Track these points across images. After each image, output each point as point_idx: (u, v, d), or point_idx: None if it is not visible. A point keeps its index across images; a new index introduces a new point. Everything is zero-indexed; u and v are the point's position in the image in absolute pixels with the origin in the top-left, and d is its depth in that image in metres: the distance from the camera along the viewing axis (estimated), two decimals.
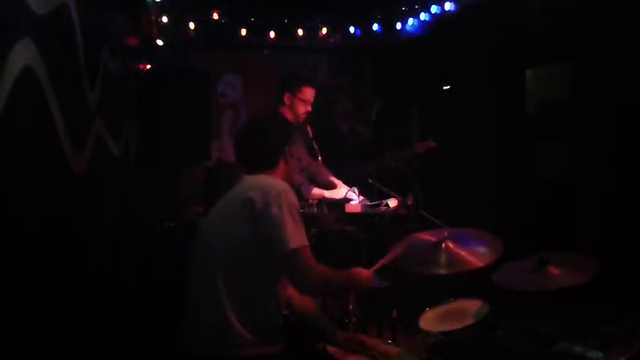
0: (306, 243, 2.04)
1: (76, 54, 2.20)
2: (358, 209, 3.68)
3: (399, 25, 5.46)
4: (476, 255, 2.45)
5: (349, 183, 3.88)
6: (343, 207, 3.72)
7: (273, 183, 2.14)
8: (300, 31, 5.64)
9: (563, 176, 4.47)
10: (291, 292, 2.28)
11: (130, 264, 3.50)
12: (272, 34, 5.56)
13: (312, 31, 5.67)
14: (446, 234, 2.57)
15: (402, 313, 2.90)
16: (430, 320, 2.49)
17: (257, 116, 2.85)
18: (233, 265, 2.06)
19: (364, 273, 2.22)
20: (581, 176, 4.21)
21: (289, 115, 3.67)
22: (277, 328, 2.16)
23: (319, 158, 3.93)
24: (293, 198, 2.10)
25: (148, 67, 4.44)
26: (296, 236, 2.01)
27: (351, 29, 5.68)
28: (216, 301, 2.03)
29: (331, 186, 3.88)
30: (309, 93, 3.72)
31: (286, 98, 3.71)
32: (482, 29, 4.72)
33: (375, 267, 2.31)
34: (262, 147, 2.29)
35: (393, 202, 3.59)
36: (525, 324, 2.30)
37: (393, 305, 2.98)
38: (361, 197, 3.78)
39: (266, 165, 2.27)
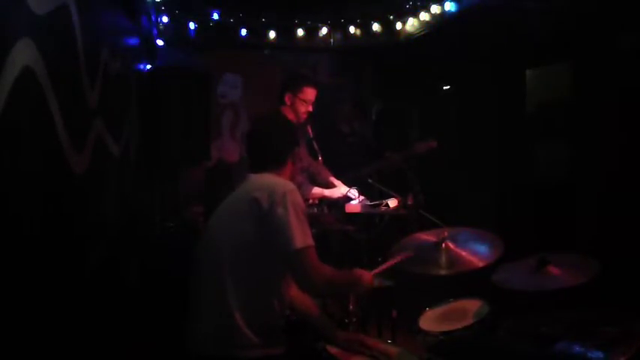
0: (312, 243, 2.04)
1: (76, 54, 2.20)
2: (358, 209, 3.68)
3: (399, 25, 5.46)
4: (476, 255, 2.45)
5: (349, 183, 3.88)
6: (343, 207, 3.72)
7: (278, 183, 2.14)
8: (300, 31, 5.64)
9: (563, 176, 4.47)
10: (292, 292, 2.28)
11: (130, 264, 3.49)
12: (272, 34, 5.56)
13: (312, 31, 5.68)
14: (446, 234, 2.57)
15: (402, 313, 2.90)
16: (430, 320, 2.49)
17: (267, 115, 2.84)
18: (239, 265, 2.05)
19: (366, 274, 2.22)
20: (582, 176, 4.21)
21: (290, 115, 3.66)
22: (280, 328, 2.16)
23: (320, 158, 3.93)
24: (298, 198, 2.09)
25: (148, 67, 4.44)
26: (301, 236, 2.00)
27: (351, 29, 5.68)
28: (223, 301, 2.02)
29: (331, 186, 3.88)
30: (310, 93, 3.72)
31: (287, 98, 3.71)
32: (482, 29, 4.72)
33: (376, 270, 2.31)
34: (272, 146, 2.29)
35: (393, 202, 3.59)
36: (525, 324, 2.30)
37: (393, 305, 2.98)
38: (361, 197, 3.78)
39: (274, 164, 2.26)
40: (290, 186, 2.12)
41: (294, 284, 2.22)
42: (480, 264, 2.40)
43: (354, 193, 3.77)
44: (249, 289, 2.05)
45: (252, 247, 2.05)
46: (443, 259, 2.49)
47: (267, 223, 2.03)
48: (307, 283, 2.11)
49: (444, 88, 5.94)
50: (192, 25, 5.31)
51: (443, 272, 2.45)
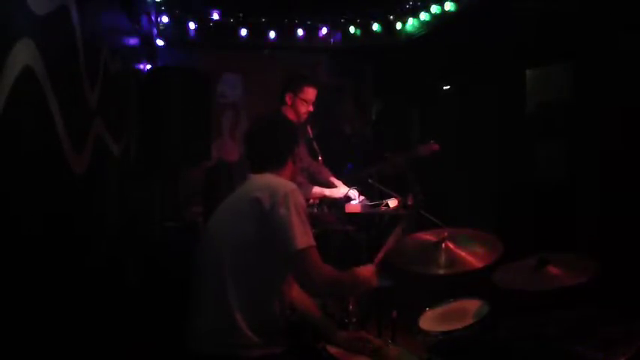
0: (313, 243, 2.04)
1: (76, 54, 2.21)
2: (358, 209, 3.68)
3: (399, 25, 5.46)
4: (476, 255, 2.44)
5: (349, 183, 3.88)
6: (343, 207, 3.72)
7: (280, 183, 2.14)
8: (300, 31, 5.65)
9: (563, 176, 4.47)
10: (293, 292, 2.28)
11: (130, 264, 3.50)
12: (272, 34, 5.57)
13: (312, 31, 5.68)
14: (446, 234, 2.56)
15: (402, 313, 2.90)
16: (430, 320, 2.49)
17: (268, 115, 2.84)
18: (240, 265, 2.05)
19: (368, 271, 2.21)
20: (582, 176, 4.21)
21: (291, 115, 3.67)
22: (280, 328, 2.16)
23: (319, 158, 3.93)
24: (300, 198, 2.09)
25: (148, 67, 4.44)
26: (303, 236, 2.00)
27: (351, 29, 5.69)
28: (223, 301, 2.02)
29: (331, 186, 3.89)
30: (310, 93, 3.73)
31: (288, 98, 3.71)
32: (482, 29, 4.72)
33: (375, 261, 2.30)
34: (273, 146, 2.29)
35: (393, 202, 3.59)
36: (525, 324, 2.30)
37: (393, 305, 2.97)
38: (361, 197, 3.78)
39: (274, 164, 2.26)
40: (291, 186, 2.12)
41: (296, 284, 2.22)
42: (480, 264, 2.40)
43: (354, 193, 3.77)
44: (250, 288, 2.05)
45: (253, 247, 2.05)
46: (443, 259, 2.48)
47: (269, 223, 2.03)
48: (309, 283, 2.11)
49: (444, 88, 5.93)
50: (192, 25, 5.32)
51: (442, 272, 2.45)
